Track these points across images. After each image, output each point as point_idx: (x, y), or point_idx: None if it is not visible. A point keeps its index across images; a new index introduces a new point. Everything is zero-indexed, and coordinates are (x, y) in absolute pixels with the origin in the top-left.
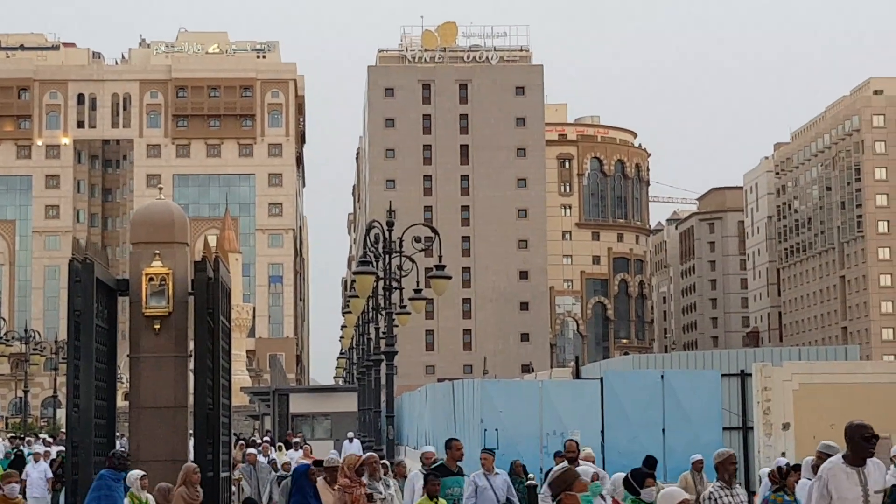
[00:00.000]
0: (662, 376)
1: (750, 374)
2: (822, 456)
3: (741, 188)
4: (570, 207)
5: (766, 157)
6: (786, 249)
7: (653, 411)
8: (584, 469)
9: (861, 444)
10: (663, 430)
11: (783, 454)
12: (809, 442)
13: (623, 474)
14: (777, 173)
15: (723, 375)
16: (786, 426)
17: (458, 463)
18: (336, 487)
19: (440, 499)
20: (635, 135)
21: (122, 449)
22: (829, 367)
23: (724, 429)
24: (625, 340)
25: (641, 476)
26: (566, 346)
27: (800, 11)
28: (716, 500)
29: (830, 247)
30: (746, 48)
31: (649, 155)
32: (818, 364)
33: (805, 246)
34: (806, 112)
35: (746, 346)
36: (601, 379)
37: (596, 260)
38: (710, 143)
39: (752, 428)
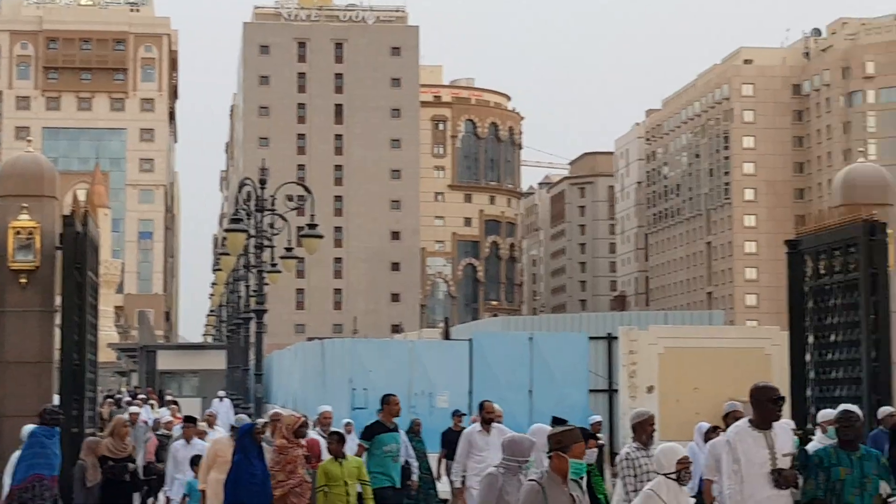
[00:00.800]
0: (531, 338)
1: (616, 338)
2: (730, 417)
3: (612, 153)
4: (444, 169)
5: (638, 124)
6: (654, 215)
7: (520, 373)
8: (540, 428)
9: (768, 406)
10: (530, 391)
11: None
12: (673, 405)
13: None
14: (648, 140)
15: (590, 338)
16: (650, 389)
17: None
18: (273, 447)
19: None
20: (509, 98)
21: (53, 405)
22: (694, 332)
23: (591, 391)
24: (494, 302)
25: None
26: (436, 307)
27: None
28: (632, 461)
29: (698, 213)
30: (620, 16)
31: (523, 118)
32: (683, 328)
33: (673, 212)
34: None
35: (614, 310)
36: (470, 340)
37: (468, 222)
38: (583, 108)
39: (617, 390)
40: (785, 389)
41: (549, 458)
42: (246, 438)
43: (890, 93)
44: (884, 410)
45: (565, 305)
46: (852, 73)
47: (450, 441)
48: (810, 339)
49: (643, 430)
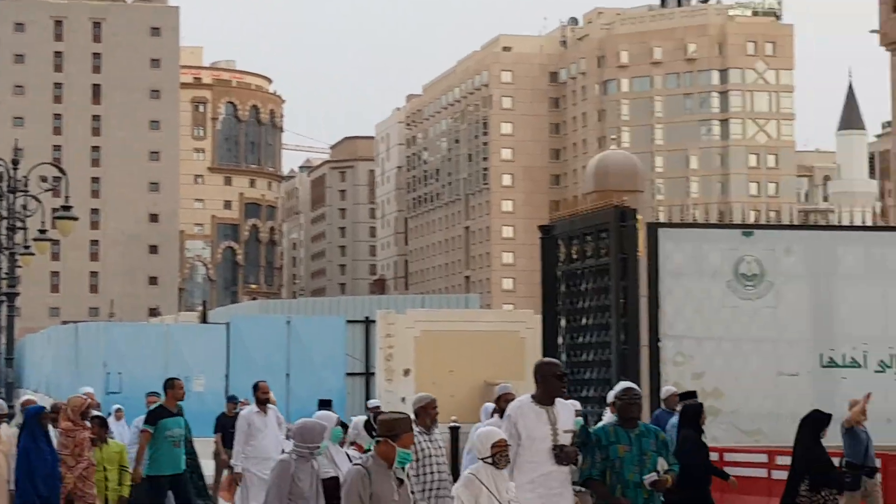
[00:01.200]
0: (289, 322)
1: (374, 321)
2: (502, 400)
3: (373, 138)
4: (203, 151)
5: (398, 109)
6: (414, 199)
7: (278, 356)
8: (327, 415)
9: (553, 381)
10: (288, 374)
11: (402, 399)
12: (429, 388)
13: (364, 418)
14: (408, 125)
15: (348, 322)
16: (406, 372)
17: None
18: (59, 431)
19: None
20: (270, 81)
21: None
22: (450, 316)
23: (348, 374)
24: (254, 286)
25: None
26: (195, 291)
27: None
28: (415, 444)
29: (457, 198)
30: (382, 1)
31: (284, 102)
32: (440, 312)
33: (432, 196)
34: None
35: (373, 294)
36: (228, 324)
37: (227, 205)
38: (344, 92)
39: (374, 374)
40: None
41: (377, 443)
42: (33, 421)
43: (642, 82)
44: (667, 390)
45: (325, 289)
46: (607, 62)
47: (223, 426)
48: (562, 323)
49: (426, 413)
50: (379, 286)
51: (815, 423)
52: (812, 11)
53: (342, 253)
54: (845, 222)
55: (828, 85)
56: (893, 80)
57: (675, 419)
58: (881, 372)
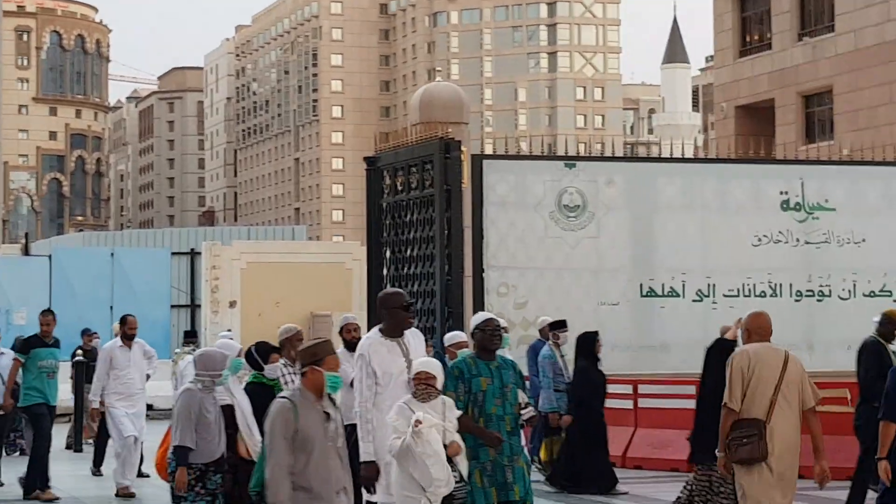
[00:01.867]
0: (112, 254)
1: (200, 253)
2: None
3: (202, 69)
4: (28, 81)
5: (228, 39)
6: (243, 131)
7: (102, 288)
8: (228, 343)
9: (400, 313)
10: (111, 307)
11: (229, 330)
12: (255, 319)
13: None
14: (237, 55)
15: (173, 254)
16: (232, 304)
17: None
18: None
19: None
20: (96, 10)
21: None
22: (277, 247)
23: (173, 306)
24: (80, 218)
25: (266, 351)
26: (20, 223)
27: None
28: (281, 375)
29: (287, 129)
30: None
31: (111, 31)
32: (266, 244)
33: (262, 128)
34: None
35: (202, 226)
36: (50, 256)
37: (53, 136)
38: (172, 22)
39: (199, 306)
40: (363, 303)
41: (303, 375)
42: None
43: (472, 14)
44: (543, 320)
45: (153, 221)
46: None
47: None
48: (388, 254)
49: (291, 345)
50: (208, 218)
51: (722, 352)
52: None
53: (171, 185)
54: (667, 154)
55: (653, 19)
56: (716, 14)
57: (546, 349)
58: (699, 301)
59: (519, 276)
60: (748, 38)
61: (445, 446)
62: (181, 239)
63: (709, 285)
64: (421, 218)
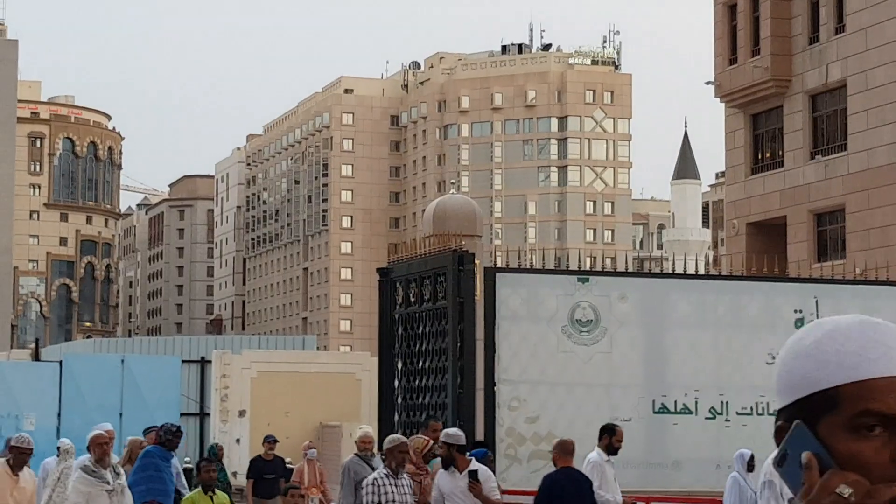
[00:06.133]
0: (123, 361)
1: (210, 361)
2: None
3: (213, 177)
4: (40, 187)
5: (239, 148)
6: (253, 239)
7: (111, 395)
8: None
9: None
10: (121, 414)
11: (238, 440)
12: (264, 428)
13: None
14: (248, 164)
15: (183, 362)
16: (242, 413)
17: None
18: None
19: None
20: (109, 117)
21: (173, 424)
22: (287, 357)
23: (182, 414)
24: (88, 324)
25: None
26: (28, 328)
27: (276, 9)
28: (380, 486)
29: (296, 239)
30: (222, 40)
31: (123, 139)
32: (276, 353)
33: (271, 237)
34: (279, 106)
35: (210, 334)
36: (60, 362)
37: (63, 241)
38: (184, 131)
39: (209, 414)
40: (373, 414)
41: None
42: None
43: (483, 127)
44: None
45: (161, 328)
46: (448, 107)
47: (258, 470)
48: (399, 365)
49: (393, 456)
50: (216, 326)
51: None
52: (649, 62)
53: (179, 292)
54: (679, 270)
55: (664, 135)
56: (727, 131)
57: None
58: (711, 419)
59: (530, 391)
60: (760, 156)
61: None
62: (191, 347)
63: (722, 403)
64: (433, 330)
